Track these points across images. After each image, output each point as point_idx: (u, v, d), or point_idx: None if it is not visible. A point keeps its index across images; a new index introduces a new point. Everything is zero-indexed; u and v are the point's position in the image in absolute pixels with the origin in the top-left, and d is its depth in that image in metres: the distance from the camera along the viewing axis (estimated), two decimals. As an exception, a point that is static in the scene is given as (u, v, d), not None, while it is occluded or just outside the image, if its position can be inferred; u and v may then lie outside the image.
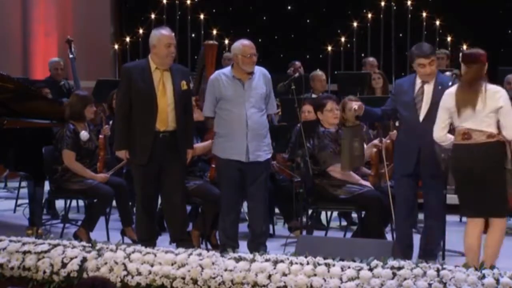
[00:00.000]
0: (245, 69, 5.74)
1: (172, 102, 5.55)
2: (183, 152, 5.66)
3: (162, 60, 5.55)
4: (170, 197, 5.68)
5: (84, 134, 6.45)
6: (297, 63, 10.04)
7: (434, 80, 5.55)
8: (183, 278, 4.53)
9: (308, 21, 12.65)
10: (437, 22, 10.49)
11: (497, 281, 4.09)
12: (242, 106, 5.69)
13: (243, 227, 6.09)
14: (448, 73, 6.39)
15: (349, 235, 6.48)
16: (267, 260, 4.47)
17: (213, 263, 4.54)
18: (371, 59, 9.98)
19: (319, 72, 9.25)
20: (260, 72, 5.85)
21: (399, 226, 5.74)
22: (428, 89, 5.55)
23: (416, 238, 6.80)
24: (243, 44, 5.77)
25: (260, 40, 11.46)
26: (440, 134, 5.22)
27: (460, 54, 5.35)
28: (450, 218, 6.86)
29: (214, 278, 4.46)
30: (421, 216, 7.48)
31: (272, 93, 5.91)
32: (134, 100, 5.58)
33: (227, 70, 5.87)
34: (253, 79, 5.78)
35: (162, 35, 5.58)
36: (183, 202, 5.76)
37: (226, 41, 10.94)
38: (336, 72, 10.17)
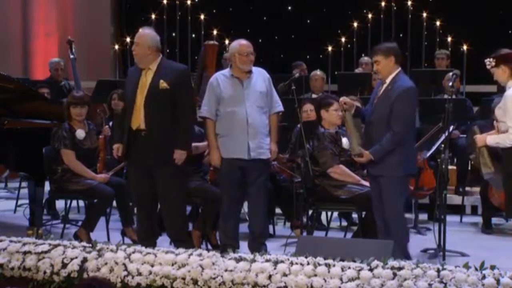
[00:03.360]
0: (243, 68, 5.75)
1: (143, 100, 5.54)
2: (168, 152, 5.57)
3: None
4: (164, 197, 5.66)
5: (80, 133, 6.44)
6: (304, 65, 10.05)
7: (392, 81, 5.38)
8: (184, 279, 4.53)
9: (308, 21, 12.65)
10: (438, 23, 10.49)
11: (498, 281, 4.08)
12: (242, 105, 5.70)
13: (243, 228, 6.09)
14: (449, 74, 6.40)
15: (349, 235, 6.49)
16: (267, 261, 4.47)
17: (213, 264, 4.53)
18: (366, 58, 9.99)
19: (318, 72, 9.26)
20: (259, 71, 5.87)
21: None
22: (383, 88, 5.49)
23: (417, 238, 6.82)
24: (240, 44, 5.79)
25: (260, 40, 11.48)
26: None
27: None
28: (451, 218, 6.88)
29: (214, 278, 4.46)
30: (422, 216, 7.50)
31: (273, 92, 5.92)
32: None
33: (225, 70, 5.89)
34: (252, 78, 5.80)
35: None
36: (178, 202, 5.70)
37: (227, 42, 10.94)
38: (336, 73, 10.17)
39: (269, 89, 5.85)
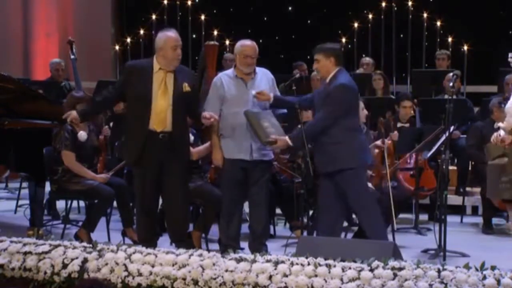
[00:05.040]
0: (242, 70, 5.74)
1: (171, 103, 5.53)
2: (183, 152, 5.65)
3: (169, 63, 5.53)
4: (170, 197, 5.66)
5: (82, 135, 6.44)
6: (304, 65, 10.05)
7: (330, 79, 5.46)
8: (184, 279, 4.53)
9: (308, 21, 12.65)
10: (438, 23, 10.49)
11: (498, 282, 4.09)
12: (245, 105, 5.68)
13: (244, 228, 6.09)
14: (450, 74, 6.38)
15: (350, 236, 6.48)
16: (268, 261, 4.47)
17: (214, 264, 4.54)
18: (367, 59, 9.99)
19: (319, 73, 9.25)
20: (263, 72, 5.85)
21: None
22: (323, 87, 5.54)
23: (417, 238, 6.82)
24: (241, 45, 5.78)
25: (260, 40, 11.46)
26: None
27: None
28: (451, 219, 6.88)
29: (215, 279, 4.47)
30: (422, 216, 7.51)
31: (277, 93, 5.89)
32: (130, 100, 5.60)
33: (229, 71, 5.88)
34: (256, 78, 5.78)
35: (169, 37, 5.54)
36: (184, 202, 5.75)
37: (227, 42, 10.95)
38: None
39: (273, 90, 5.82)
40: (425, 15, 10.55)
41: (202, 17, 11.27)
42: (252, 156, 5.70)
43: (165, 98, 5.51)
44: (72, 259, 4.79)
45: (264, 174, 5.78)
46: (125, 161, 5.83)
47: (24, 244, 5.01)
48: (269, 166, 5.88)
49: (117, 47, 11.65)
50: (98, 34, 12.45)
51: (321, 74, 5.54)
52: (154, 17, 11.22)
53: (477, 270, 4.20)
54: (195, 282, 4.50)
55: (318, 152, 5.46)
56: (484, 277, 4.12)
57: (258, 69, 5.82)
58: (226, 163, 5.78)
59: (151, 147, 5.49)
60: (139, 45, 11.18)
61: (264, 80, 5.80)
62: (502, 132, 5.54)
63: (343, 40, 10.88)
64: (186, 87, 5.57)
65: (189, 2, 11.51)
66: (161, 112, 5.50)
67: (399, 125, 7.53)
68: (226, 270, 4.48)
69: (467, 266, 4.24)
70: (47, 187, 6.50)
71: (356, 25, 10.91)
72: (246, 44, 5.77)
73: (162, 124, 5.50)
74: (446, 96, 7.87)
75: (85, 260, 4.78)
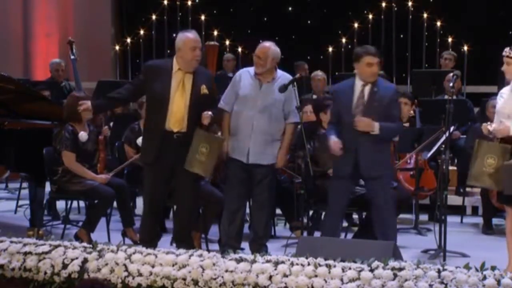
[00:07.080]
0: (255, 69, 5.73)
1: (188, 104, 5.53)
2: None
3: (187, 64, 5.53)
4: (181, 198, 5.65)
5: (82, 135, 6.43)
6: (306, 64, 10.05)
7: (373, 83, 5.49)
8: (184, 279, 4.54)
9: (308, 22, 12.64)
10: (438, 23, 10.49)
11: (498, 282, 4.09)
12: (252, 108, 5.64)
13: (245, 228, 6.09)
14: (450, 74, 6.36)
15: (350, 236, 6.49)
16: (268, 261, 4.47)
17: (214, 264, 4.54)
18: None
19: (319, 73, 9.26)
20: (284, 78, 5.74)
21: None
22: (367, 91, 5.50)
23: (417, 239, 6.82)
24: (259, 46, 5.77)
25: (260, 41, 11.47)
26: None
27: None
28: (451, 219, 6.87)
29: (215, 279, 4.47)
30: (422, 217, 7.51)
31: (292, 101, 5.67)
32: (148, 100, 5.63)
33: (252, 68, 5.82)
34: (273, 83, 5.69)
35: (188, 38, 5.54)
36: (193, 203, 5.75)
37: (227, 42, 10.95)
38: (336, 73, 10.17)
39: (289, 98, 5.67)
40: (425, 15, 10.55)
41: (202, 17, 11.26)
42: (248, 159, 5.68)
43: (183, 99, 5.51)
44: (72, 260, 4.79)
45: (266, 176, 5.74)
46: (141, 160, 5.78)
47: (24, 245, 5.01)
48: (270, 168, 5.79)
49: (117, 47, 11.65)
50: (98, 34, 12.44)
51: (374, 78, 5.52)
52: (154, 17, 11.22)
53: (477, 270, 4.21)
54: (195, 283, 4.50)
55: (365, 157, 5.46)
56: (484, 277, 4.12)
57: (281, 73, 5.76)
58: (229, 160, 5.78)
59: (166, 147, 5.50)
60: (139, 45, 11.18)
61: None
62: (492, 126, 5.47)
63: (343, 40, 10.88)
64: (204, 89, 5.55)
65: (189, 2, 11.51)
66: (178, 113, 5.50)
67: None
68: (226, 271, 4.48)
69: (467, 267, 4.24)
70: (47, 187, 6.50)
71: (356, 25, 10.91)
72: (260, 46, 5.77)
73: (178, 125, 5.51)
74: (446, 97, 7.87)
75: (85, 261, 4.78)
